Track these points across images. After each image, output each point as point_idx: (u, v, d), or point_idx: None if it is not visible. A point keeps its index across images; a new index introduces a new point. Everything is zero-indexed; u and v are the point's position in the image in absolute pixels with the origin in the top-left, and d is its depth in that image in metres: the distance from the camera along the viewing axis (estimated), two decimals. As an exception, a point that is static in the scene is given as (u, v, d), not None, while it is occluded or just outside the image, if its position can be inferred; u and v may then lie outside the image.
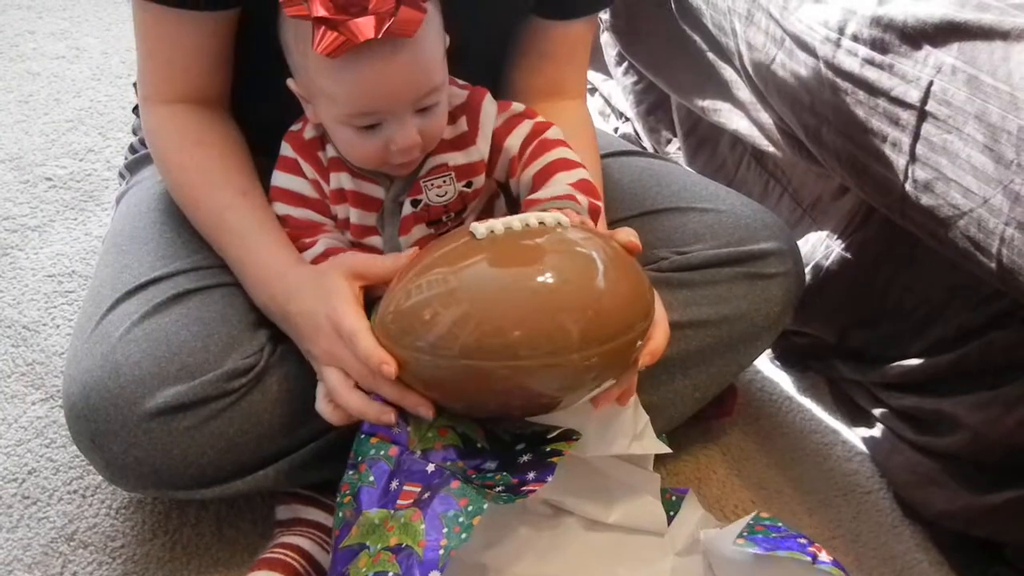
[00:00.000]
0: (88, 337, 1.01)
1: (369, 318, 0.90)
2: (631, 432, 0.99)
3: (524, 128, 1.03)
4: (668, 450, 1.05)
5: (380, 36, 0.85)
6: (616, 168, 1.25)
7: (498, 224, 0.86)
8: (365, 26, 0.84)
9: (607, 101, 2.06)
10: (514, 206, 1.04)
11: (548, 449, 0.88)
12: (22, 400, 1.36)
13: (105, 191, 1.85)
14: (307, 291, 0.96)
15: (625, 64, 1.87)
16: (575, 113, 1.20)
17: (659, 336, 0.94)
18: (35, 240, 1.74)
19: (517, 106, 1.05)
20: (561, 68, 1.19)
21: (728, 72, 1.52)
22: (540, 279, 0.83)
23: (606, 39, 1.86)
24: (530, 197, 0.98)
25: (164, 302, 1.02)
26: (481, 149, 1.02)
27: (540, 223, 0.87)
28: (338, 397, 0.92)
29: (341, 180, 1.02)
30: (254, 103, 1.06)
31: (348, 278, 0.93)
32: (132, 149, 1.33)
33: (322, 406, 0.95)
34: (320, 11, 0.84)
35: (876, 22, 1.13)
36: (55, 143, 2.03)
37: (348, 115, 0.93)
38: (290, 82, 0.97)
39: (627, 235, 0.94)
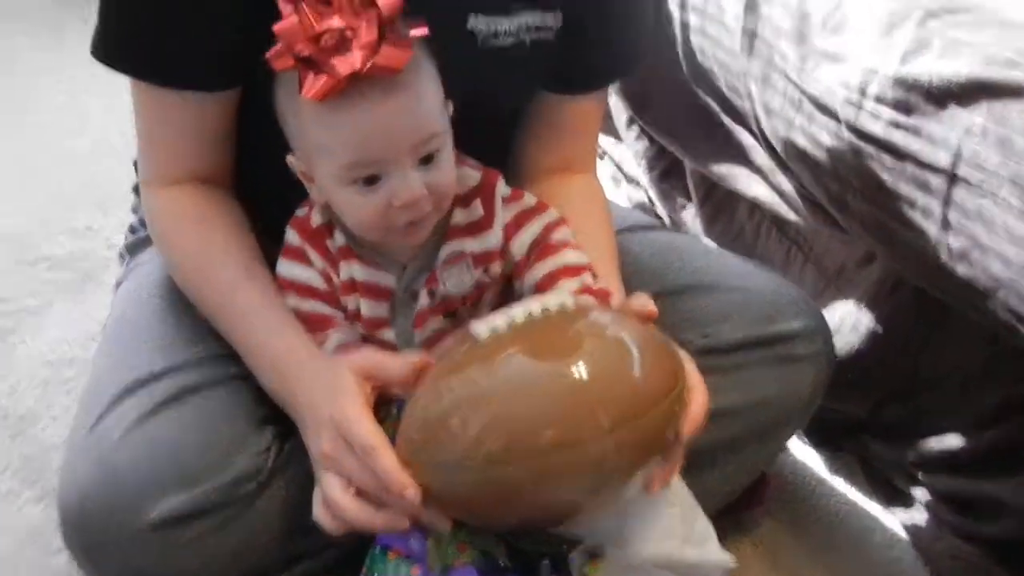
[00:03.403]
0: (84, 439, 0.98)
1: (381, 423, 0.87)
2: (681, 532, 0.95)
3: (534, 228, 1.01)
4: (730, 563, 0.99)
5: (365, 70, 0.82)
6: (634, 243, 1.22)
7: (499, 321, 0.84)
8: (349, 61, 0.82)
9: (618, 166, 2.04)
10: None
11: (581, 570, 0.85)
12: (16, 498, 1.34)
13: (106, 271, 1.83)
14: (314, 383, 0.92)
15: (636, 128, 1.85)
16: (586, 187, 1.17)
17: (698, 401, 0.91)
18: (32, 324, 1.73)
19: (529, 199, 1.03)
20: (572, 143, 1.17)
21: (745, 137, 1.50)
22: (571, 371, 0.80)
23: (616, 103, 1.84)
24: None
25: (165, 401, 0.98)
26: (498, 234, 1.00)
27: (544, 309, 0.85)
28: (337, 508, 0.87)
29: (352, 270, 0.99)
30: (258, 183, 1.05)
31: (359, 377, 0.90)
32: (132, 229, 1.31)
33: (320, 514, 0.90)
34: (304, 51, 0.83)
35: (900, 82, 1.11)
36: (53, 220, 2.03)
37: (345, 167, 0.89)
38: (290, 158, 0.95)
39: (640, 302, 0.92)
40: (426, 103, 0.89)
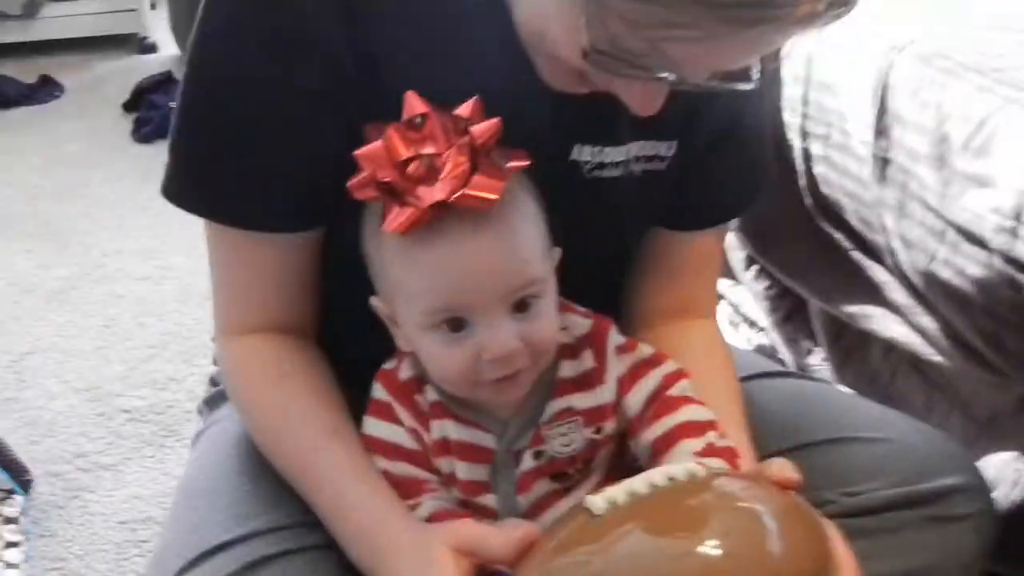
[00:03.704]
0: None
1: None
2: None
3: (651, 382, 0.96)
4: None
5: (452, 200, 0.80)
6: (760, 392, 1.15)
7: (619, 492, 0.79)
8: (434, 191, 0.81)
9: (736, 309, 1.99)
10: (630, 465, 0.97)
11: None
12: None
13: (187, 424, 1.86)
14: (403, 556, 0.86)
15: (756, 268, 1.82)
16: (706, 333, 1.13)
17: None
18: (108, 481, 1.74)
19: (645, 348, 0.98)
20: (690, 285, 1.12)
21: (879, 273, 1.45)
22: (703, 549, 0.75)
23: (732, 241, 1.80)
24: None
25: (235, 574, 0.92)
26: (611, 389, 0.95)
27: (670, 479, 0.80)
28: None
29: (445, 428, 0.93)
30: (345, 330, 1.01)
31: (456, 552, 0.85)
32: (212, 382, 1.27)
33: None
34: (388, 179, 0.81)
35: None
36: (135, 371, 2.06)
37: (428, 312, 0.85)
38: (374, 300, 0.92)
39: (781, 468, 0.87)
40: (523, 243, 0.86)
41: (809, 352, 1.78)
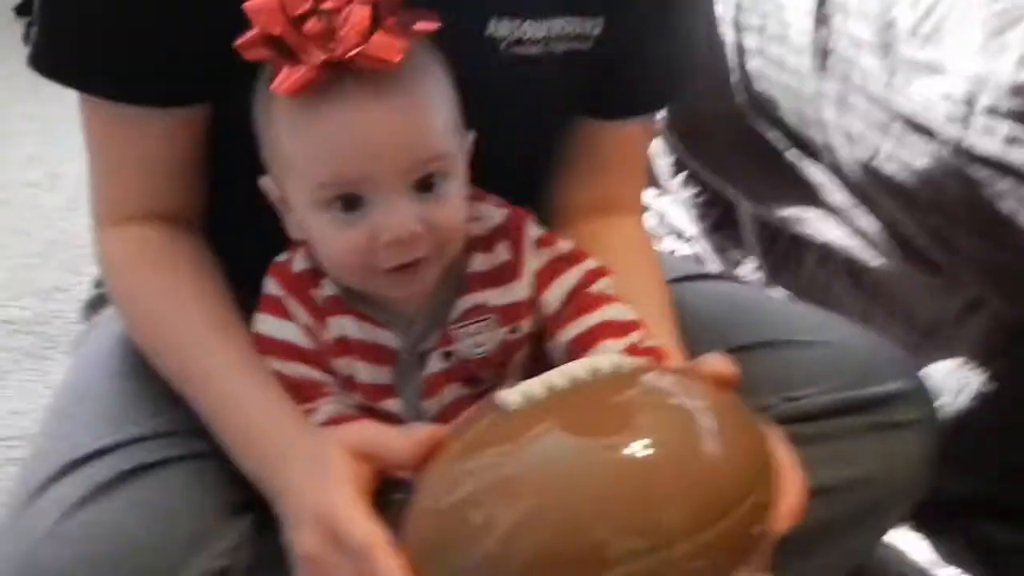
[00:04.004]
0: (7, 532, 0.89)
1: (381, 513, 0.79)
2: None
3: (570, 279, 0.95)
4: None
5: (349, 58, 0.78)
6: (689, 295, 1.14)
7: (535, 386, 0.76)
8: (330, 48, 0.78)
9: (661, 219, 2.00)
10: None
11: None
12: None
13: (72, 335, 1.76)
14: (297, 464, 0.84)
15: (684, 174, 1.81)
16: (630, 231, 1.11)
17: (795, 487, 0.82)
18: None
19: (564, 244, 0.97)
20: (615, 178, 1.11)
21: (816, 173, 1.43)
22: (630, 450, 0.71)
23: (658, 146, 1.81)
24: None
25: (109, 482, 0.88)
26: (528, 283, 0.94)
27: (592, 371, 0.77)
28: None
29: (343, 326, 0.91)
30: (235, 225, 0.97)
31: (353, 457, 0.81)
32: (97, 284, 1.24)
33: None
34: (280, 34, 0.78)
35: (1019, 90, 1.06)
36: (16, 280, 2.02)
37: (319, 187, 0.83)
38: (263, 180, 0.89)
39: (715, 363, 0.84)
40: (428, 112, 0.84)
41: (739, 263, 1.79)
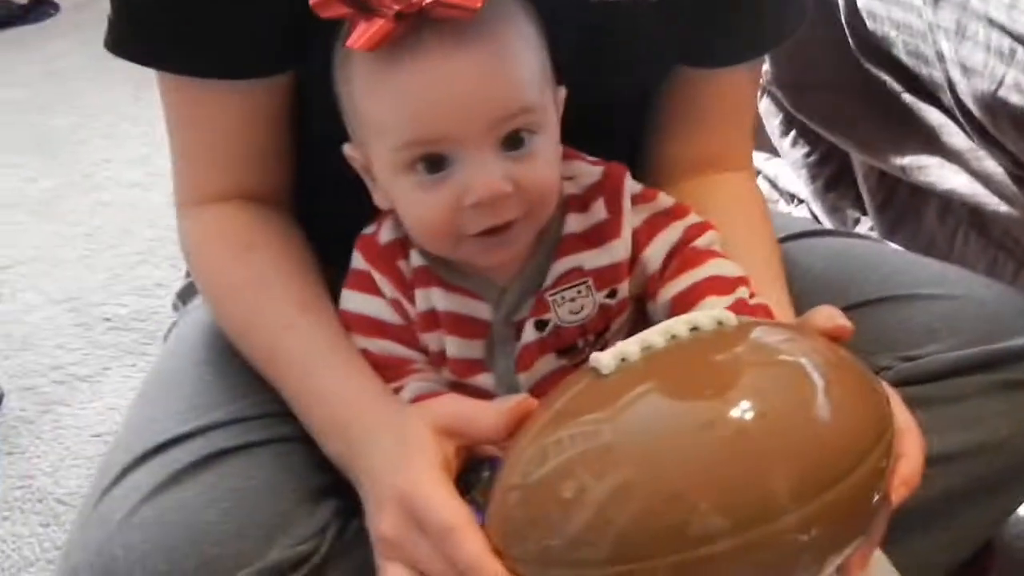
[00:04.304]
0: (85, 521, 0.88)
1: (469, 491, 0.77)
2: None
3: (671, 234, 0.91)
4: None
5: (425, 5, 0.73)
6: (804, 253, 1.11)
7: (631, 347, 0.72)
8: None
9: (773, 184, 1.96)
10: None
11: None
12: (46, 599, 1.30)
13: None
14: (379, 442, 0.82)
15: (793, 132, 1.77)
16: (741, 188, 1.07)
17: (912, 451, 0.78)
18: (84, 393, 1.70)
19: (664, 199, 0.93)
20: (719, 132, 1.06)
21: (933, 115, 1.42)
22: (733, 414, 0.68)
23: (766, 106, 1.76)
24: None
25: (188, 468, 0.87)
26: (627, 244, 0.90)
27: (693, 329, 0.73)
28: None
29: (431, 298, 0.88)
30: (327, 208, 0.96)
31: (438, 435, 0.79)
32: (188, 273, 1.24)
33: None
34: None
35: None
36: (119, 279, 2.04)
37: (401, 147, 0.79)
38: (347, 147, 0.87)
39: (829, 317, 0.80)
40: (515, 63, 0.80)
41: (856, 222, 1.76)
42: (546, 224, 0.85)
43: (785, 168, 1.87)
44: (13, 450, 1.58)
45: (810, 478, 0.67)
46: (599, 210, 0.89)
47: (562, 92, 0.85)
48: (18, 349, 1.83)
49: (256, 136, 0.95)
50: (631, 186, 0.91)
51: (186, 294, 1.20)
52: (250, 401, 0.93)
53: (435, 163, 0.79)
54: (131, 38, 0.90)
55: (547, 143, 0.82)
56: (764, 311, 0.87)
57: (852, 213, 1.76)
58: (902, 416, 0.79)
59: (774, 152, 1.88)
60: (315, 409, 0.89)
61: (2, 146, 2.72)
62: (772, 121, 1.79)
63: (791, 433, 0.68)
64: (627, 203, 0.90)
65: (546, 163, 0.82)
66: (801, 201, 1.88)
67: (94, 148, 2.66)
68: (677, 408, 0.70)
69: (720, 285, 0.88)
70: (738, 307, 0.86)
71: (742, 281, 0.89)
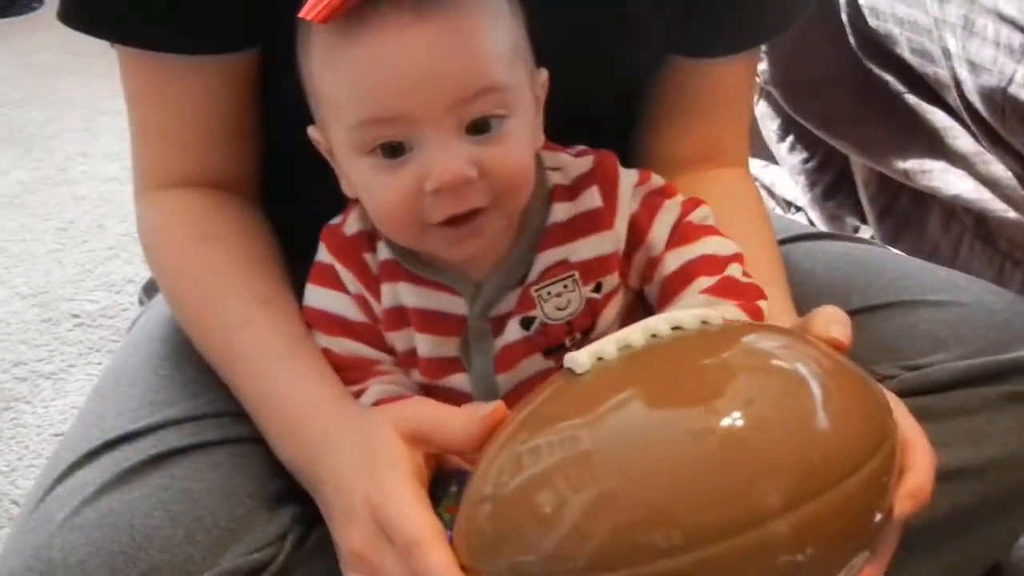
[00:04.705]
0: (24, 522, 0.84)
1: (436, 507, 0.74)
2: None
3: (671, 212, 0.88)
4: None
5: None
6: (804, 256, 1.09)
7: (608, 346, 0.69)
8: None
9: (770, 191, 1.95)
10: None
11: None
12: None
13: None
14: (344, 450, 0.78)
15: (791, 137, 1.76)
16: (738, 185, 1.04)
17: (920, 464, 0.74)
18: (47, 390, 1.66)
19: (656, 179, 0.91)
20: (716, 126, 1.05)
21: (938, 116, 1.40)
22: (718, 421, 0.65)
23: (763, 109, 1.75)
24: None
25: (136, 467, 0.83)
26: (619, 234, 0.87)
27: (674, 327, 0.70)
28: None
29: (399, 293, 0.85)
30: (295, 195, 0.93)
31: (406, 441, 0.75)
32: None
33: None
34: None
35: None
36: (90, 274, 2.00)
37: (358, 127, 0.76)
38: (311, 130, 0.84)
39: (829, 319, 0.76)
40: (479, 39, 0.76)
41: (856, 230, 1.75)
42: (528, 214, 0.83)
43: (782, 174, 1.87)
44: (-33, 448, 1.55)
45: (804, 488, 0.64)
46: (592, 198, 0.86)
47: (543, 75, 0.82)
48: (-22, 343, 1.80)
49: (219, 116, 0.93)
50: (627, 175, 0.88)
51: (151, 288, 1.16)
52: (208, 399, 0.90)
53: (395, 149, 0.76)
54: (89, 11, 0.88)
55: (519, 126, 0.79)
56: (755, 291, 0.84)
57: (851, 221, 1.75)
58: (910, 428, 0.76)
59: (771, 159, 1.86)
60: (268, 411, 0.86)
61: (-26, 138, 2.69)
62: (769, 125, 1.78)
63: (782, 442, 0.65)
64: (623, 191, 0.87)
65: (516, 147, 0.79)
66: (799, 208, 1.87)
67: (69, 141, 2.64)
68: (662, 415, 0.67)
69: (712, 265, 0.85)
70: (726, 285, 0.84)
71: (735, 259, 0.86)
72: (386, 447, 0.75)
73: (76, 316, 1.84)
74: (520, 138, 0.79)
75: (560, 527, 0.64)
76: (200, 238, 0.92)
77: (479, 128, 0.76)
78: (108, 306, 1.87)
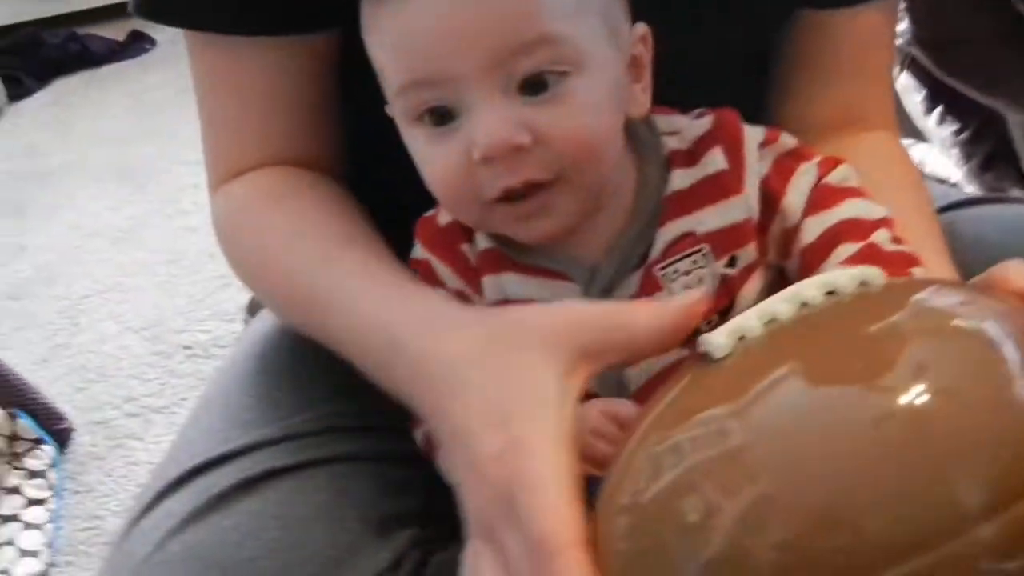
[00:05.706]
0: (110, 560, 0.79)
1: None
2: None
3: (807, 176, 0.78)
4: None
5: None
6: (972, 222, 0.97)
7: (750, 321, 0.61)
8: None
9: (920, 169, 1.81)
10: None
11: None
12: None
13: None
14: (472, 381, 0.67)
15: (940, 109, 1.68)
16: (887, 148, 0.94)
17: None
18: (159, 425, 1.67)
19: (787, 138, 0.80)
20: (856, 85, 0.95)
21: None
22: (901, 400, 0.55)
23: (905, 80, 1.67)
24: None
25: (225, 493, 0.78)
26: (750, 200, 0.78)
27: (829, 293, 0.62)
28: None
29: (503, 285, 0.77)
30: (384, 185, 0.86)
31: (572, 360, 0.65)
32: None
33: None
34: None
35: None
36: (201, 304, 2.02)
37: (403, 92, 0.70)
38: (388, 108, 0.76)
39: (1013, 272, 0.64)
40: None
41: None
42: (643, 185, 0.76)
43: (931, 152, 1.79)
44: (80, 488, 1.55)
45: (1010, 483, 0.55)
46: (715, 160, 0.77)
47: (639, 29, 0.75)
48: (91, 381, 1.81)
49: (292, 102, 0.89)
50: (752, 132, 0.79)
51: (255, 306, 1.12)
52: (307, 416, 0.84)
53: (443, 116, 0.70)
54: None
55: (588, 87, 0.71)
56: (907, 258, 0.75)
57: (1016, 193, 1.62)
58: None
59: (916, 135, 1.78)
60: (367, 335, 0.77)
61: (89, 177, 2.75)
62: (914, 98, 1.71)
63: (981, 421, 0.56)
64: (750, 151, 0.79)
65: (582, 110, 0.71)
66: (953, 185, 1.74)
67: (179, 175, 2.68)
68: (827, 398, 0.58)
69: (857, 229, 0.76)
70: (873, 252, 0.75)
71: (883, 223, 0.77)
72: (533, 376, 0.65)
73: (187, 348, 1.85)
74: (588, 99, 0.71)
75: (711, 539, 0.56)
76: (277, 200, 0.87)
77: (535, 88, 0.69)
78: (220, 336, 1.88)
